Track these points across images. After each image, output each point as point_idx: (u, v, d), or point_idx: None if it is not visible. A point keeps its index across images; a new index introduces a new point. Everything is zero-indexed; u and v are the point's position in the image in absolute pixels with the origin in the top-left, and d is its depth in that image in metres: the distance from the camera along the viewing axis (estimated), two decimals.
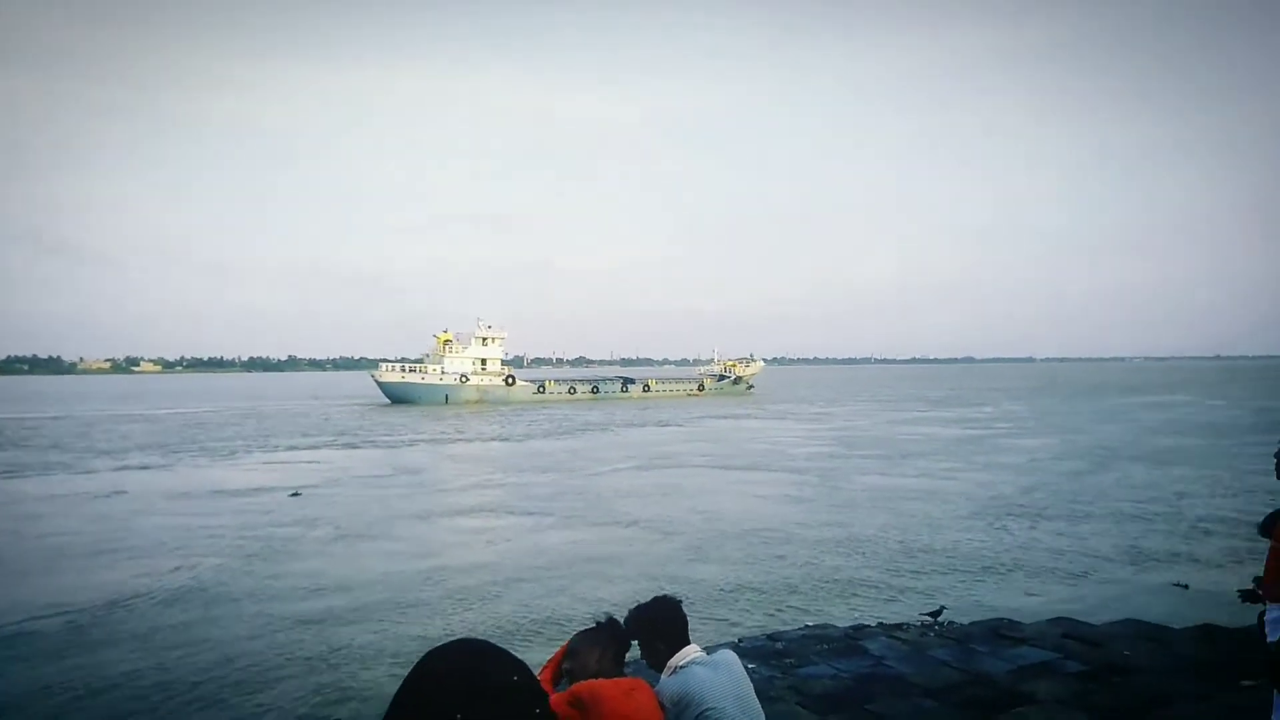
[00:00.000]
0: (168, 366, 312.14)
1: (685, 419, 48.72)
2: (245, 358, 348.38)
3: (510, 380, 70.52)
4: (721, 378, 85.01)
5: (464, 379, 68.33)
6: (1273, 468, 4.39)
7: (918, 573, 12.36)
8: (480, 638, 1.67)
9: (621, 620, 3.25)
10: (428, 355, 70.76)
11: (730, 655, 3.27)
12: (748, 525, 16.06)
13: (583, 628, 3.13)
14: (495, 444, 35.52)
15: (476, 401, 67.82)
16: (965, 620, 8.75)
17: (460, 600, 11.37)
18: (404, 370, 68.74)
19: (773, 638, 8.11)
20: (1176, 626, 7.75)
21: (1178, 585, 11.23)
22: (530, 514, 17.82)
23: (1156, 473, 22.81)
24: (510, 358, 76.60)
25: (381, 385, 68.25)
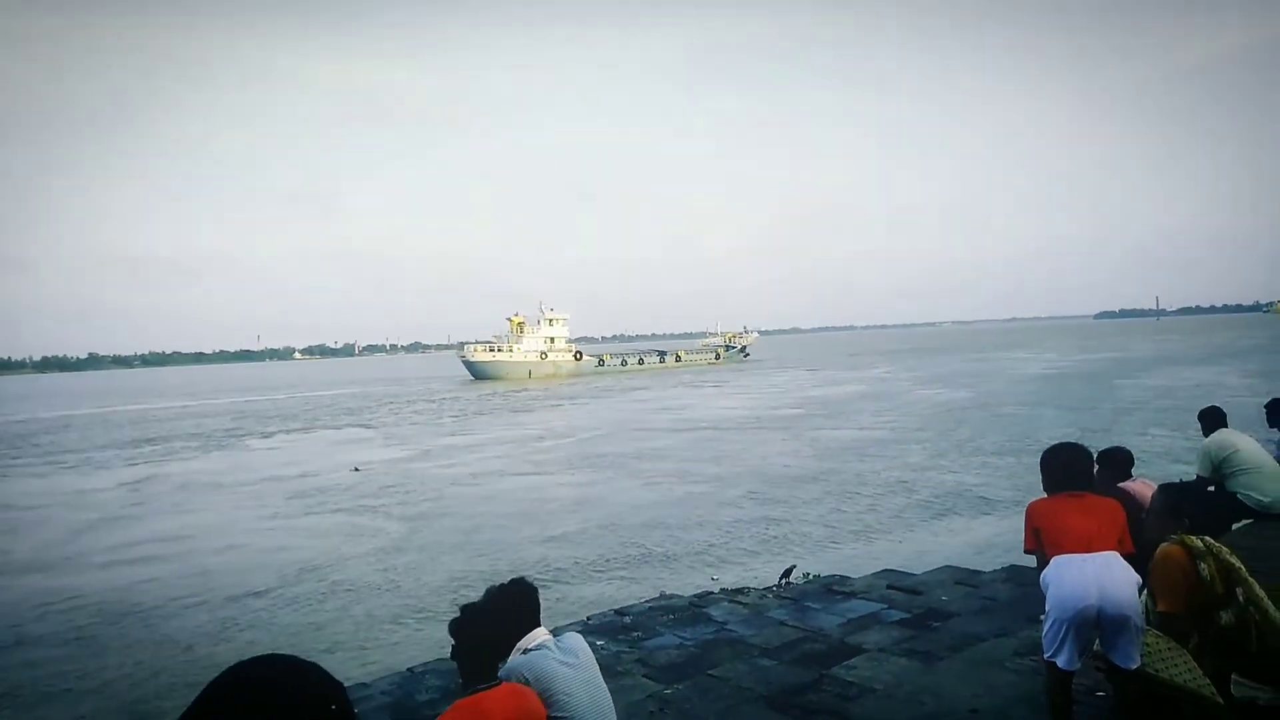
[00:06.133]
0: None
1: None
2: (38, 357, 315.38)
3: (578, 355, 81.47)
4: (729, 347, 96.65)
5: (544, 355, 77.93)
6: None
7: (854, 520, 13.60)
8: (293, 654, 1.37)
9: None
10: (502, 336, 79.80)
11: (577, 639, 3.27)
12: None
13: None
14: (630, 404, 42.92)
15: (553, 375, 76.52)
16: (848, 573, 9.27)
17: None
18: (491, 350, 77.93)
19: (620, 612, 8.22)
20: (987, 570, 8.44)
21: None
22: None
23: (1052, 414, 26.70)
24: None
25: (470, 364, 77.46)
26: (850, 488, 16.57)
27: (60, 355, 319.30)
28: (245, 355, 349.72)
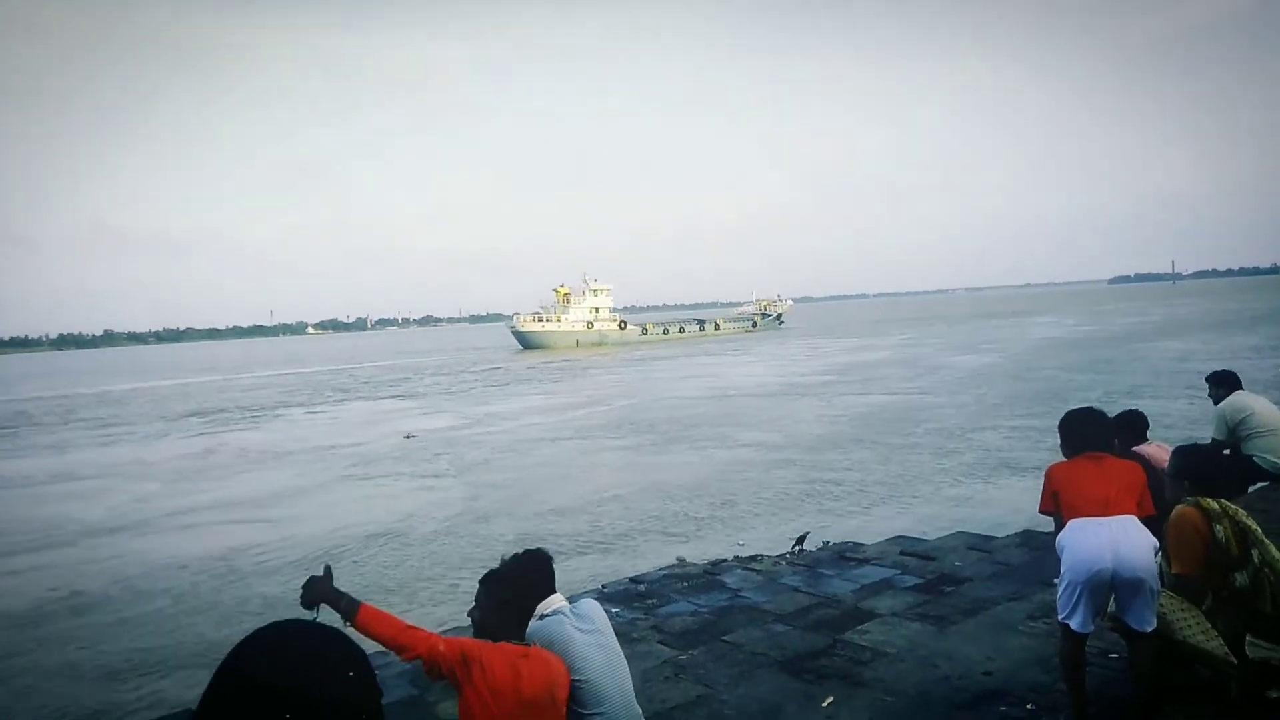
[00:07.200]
0: None
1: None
2: (54, 335, 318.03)
3: (623, 325, 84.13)
4: (765, 315, 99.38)
5: (590, 325, 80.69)
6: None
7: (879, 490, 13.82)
8: (307, 619, 1.36)
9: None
10: (549, 306, 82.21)
11: (594, 605, 3.29)
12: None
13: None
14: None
15: (599, 344, 78.64)
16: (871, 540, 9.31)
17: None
18: (539, 321, 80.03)
19: (635, 580, 8.29)
20: (999, 534, 8.46)
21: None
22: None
23: (1078, 378, 26.76)
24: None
25: (519, 334, 79.56)
26: (876, 454, 16.71)
27: (76, 333, 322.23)
28: (258, 330, 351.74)
